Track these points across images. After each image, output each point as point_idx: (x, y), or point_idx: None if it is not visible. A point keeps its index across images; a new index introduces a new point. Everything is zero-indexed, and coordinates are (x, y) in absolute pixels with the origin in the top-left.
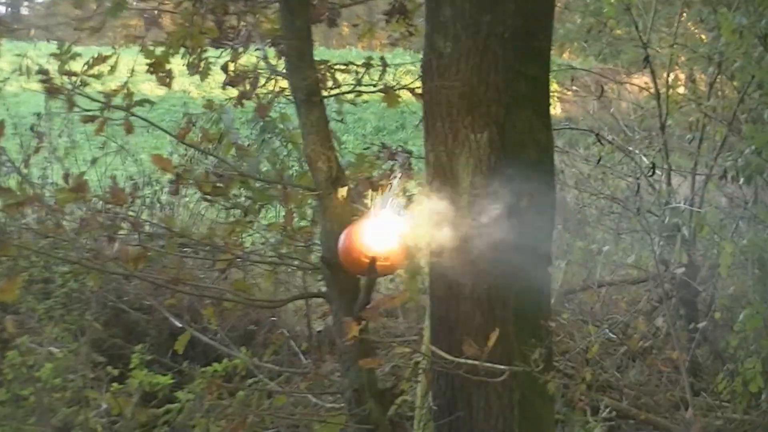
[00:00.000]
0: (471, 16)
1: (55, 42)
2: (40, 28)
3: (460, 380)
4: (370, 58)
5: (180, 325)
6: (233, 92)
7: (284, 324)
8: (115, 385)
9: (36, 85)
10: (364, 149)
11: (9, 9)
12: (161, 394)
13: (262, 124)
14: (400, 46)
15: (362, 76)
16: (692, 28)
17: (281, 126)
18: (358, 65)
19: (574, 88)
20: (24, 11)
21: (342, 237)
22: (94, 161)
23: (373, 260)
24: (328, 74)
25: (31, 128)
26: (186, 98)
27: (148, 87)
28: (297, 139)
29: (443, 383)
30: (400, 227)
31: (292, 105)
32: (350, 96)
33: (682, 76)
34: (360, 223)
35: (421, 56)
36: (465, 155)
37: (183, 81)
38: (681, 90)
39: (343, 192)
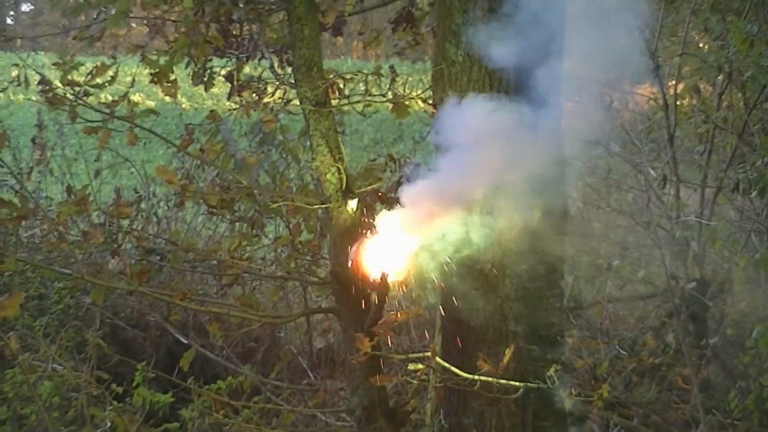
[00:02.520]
0: (482, 24)
1: (43, 52)
2: (33, 38)
3: (472, 397)
4: (379, 66)
5: (179, 342)
6: (225, 103)
7: (285, 341)
8: (114, 403)
9: (21, 97)
10: (371, 161)
11: None
12: (161, 412)
13: (261, 136)
14: (398, 56)
15: (372, 86)
16: (696, 38)
17: (281, 138)
18: (367, 74)
19: (576, 98)
20: (8, 21)
21: (352, 251)
22: (97, 174)
23: (385, 274)
24: (337, 84)
25: (33, 140)
26: (179, 110)
27: (138, 98)
28: (297, 152)
29: (455, 400)
30: (410, 240)
31: (291, 116)
32: (359, 106)
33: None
34: (371, 237)
35: (418, 66)
36: None
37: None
38: (688, 100)
39: (352, 204)
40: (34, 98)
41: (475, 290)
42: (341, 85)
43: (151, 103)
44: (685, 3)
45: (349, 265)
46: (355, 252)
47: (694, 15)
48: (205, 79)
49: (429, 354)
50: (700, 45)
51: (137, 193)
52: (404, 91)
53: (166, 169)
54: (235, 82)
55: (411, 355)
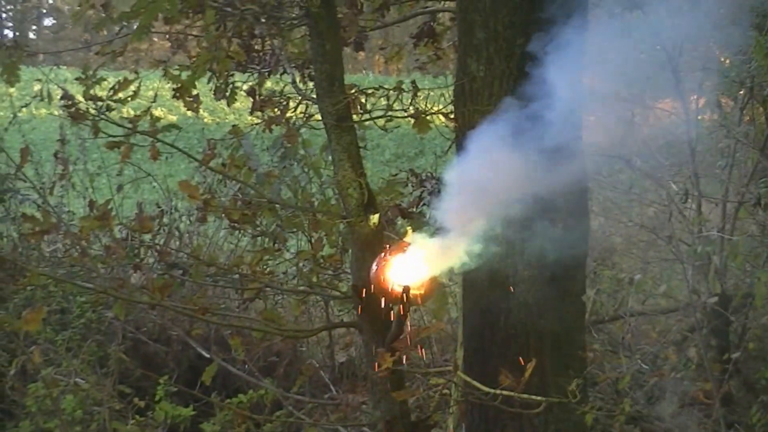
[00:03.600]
0: (504, 39)
1: (65, 66)
2: (55, 53)
3: (494, 412)
4: (401, 82)
5: (200, 357)
6: (247, 117)
7: (307, 355)
8: (136, 417)
9: (44, 112)
10: (393, 176)
11: (16, 33)
12: (183, 426)
13: (283, 150)
14: (420, 70)
15: (394, 101)
16: (717, 52)
17: (302, 152)
18: (389, 89)
19: (598, 113)
20: (31, 35)
21: (374, 265)
22: (119, 188)
23: (407, 289)
24: (358, 99)
25: (55, 155)
26: (200, 124)
27: (160, 113)
28: (319, 166)
29: (477, 415)
30: (432, 254)
31: (313, 131)
32: (381, 121)
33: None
34: (393, 251)
35: (440, 80)
36: None
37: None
38: (709, 115)
39: (374, 219)
40: (56, 113)
41: (497, 304)
42: (363, 100)
43: (173, 118)
44: (707, 17)
45: (371, 278)
46: (377, 266)
47: (716, 29)
48: (227, 94)
49: (451, 368)
50: (722, 59)
51: (159, 207)
52: (426, 105)
53: (189, 184)
54: (257, 97)
55: (433, 370)
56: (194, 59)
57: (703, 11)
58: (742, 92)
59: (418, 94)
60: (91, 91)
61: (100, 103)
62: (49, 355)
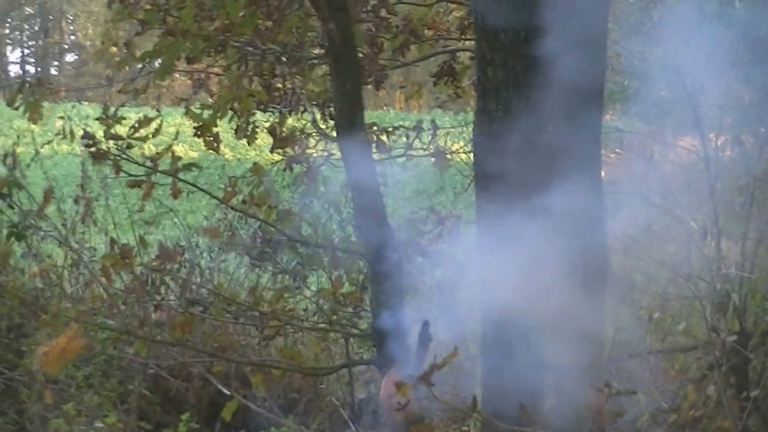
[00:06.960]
0: (522, 79)
1: (87, 102)
2: (78, 90)
3: None
4: (420, 120)
5: (221, 393)
6: (268, 154)
7: (327, 392)
8: None
9: (66, 148)
10: (412, 213)
11: (38, 69)
12: None
13: (303, 187)
14: (440, 108)
15: (414, 139)
16: (737, 89)
17: (323, 189)
18: (408, 128)
19: (618, 150)
20: (53, 71)
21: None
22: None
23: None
24: (379, 137)
25: (75, 200)
26: (221, 160)
27: (180, 150)
28: (339, 203)
29: None
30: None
31: (333, 167)
32: (401, 159)
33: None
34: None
35: (460, 117)
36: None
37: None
38: (729, 152)
39: (393, 257)
40: (78, 150)
41: (516, 341)
42: (383, 138)
43: (195, 155)
44: (728, 54)
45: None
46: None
47: (736, 66)
48: (248, 132)
49: (470, 405)
50: (743, 96)
51: (180, 245)
52: (446, 143)
53: (211, 228)
54: (277, 136)
55: (452, 406)
56: (215, 98)
57: (724, 48)
58: (762, 129)
59: (438, 132)
60: (112, 130)
61: (120, 142)
62: (71, 391)
